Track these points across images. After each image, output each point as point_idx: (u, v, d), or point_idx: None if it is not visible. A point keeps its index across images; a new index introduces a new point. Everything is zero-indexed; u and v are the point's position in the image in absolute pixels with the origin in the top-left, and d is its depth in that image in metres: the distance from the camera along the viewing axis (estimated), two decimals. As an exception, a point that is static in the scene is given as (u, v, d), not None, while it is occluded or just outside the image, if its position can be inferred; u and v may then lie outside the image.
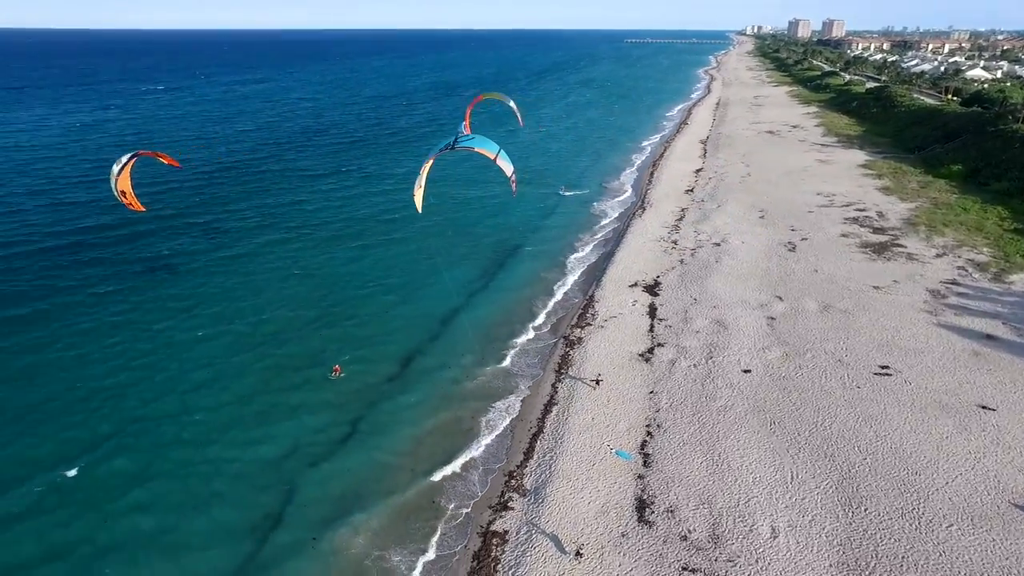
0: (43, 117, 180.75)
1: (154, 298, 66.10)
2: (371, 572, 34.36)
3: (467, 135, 37.18)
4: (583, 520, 37.32)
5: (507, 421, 47.81)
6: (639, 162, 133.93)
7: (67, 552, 34.88)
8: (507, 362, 55.70)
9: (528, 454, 43.76)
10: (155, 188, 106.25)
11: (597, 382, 51.17)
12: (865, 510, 37.59)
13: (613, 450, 42.97)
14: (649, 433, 45.20)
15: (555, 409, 48.61)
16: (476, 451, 44.29)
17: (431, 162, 35.13)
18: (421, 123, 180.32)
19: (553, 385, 52.05)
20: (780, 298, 65.46)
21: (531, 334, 60.68)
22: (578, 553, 34.61)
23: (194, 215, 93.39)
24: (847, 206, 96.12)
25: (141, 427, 45.96)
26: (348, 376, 52.30)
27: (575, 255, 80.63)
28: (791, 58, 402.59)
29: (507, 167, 36.41)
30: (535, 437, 45.52)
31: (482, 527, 37.54)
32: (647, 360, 55.04)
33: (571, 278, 73.84)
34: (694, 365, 53.80)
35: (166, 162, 58.49)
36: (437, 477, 41.54)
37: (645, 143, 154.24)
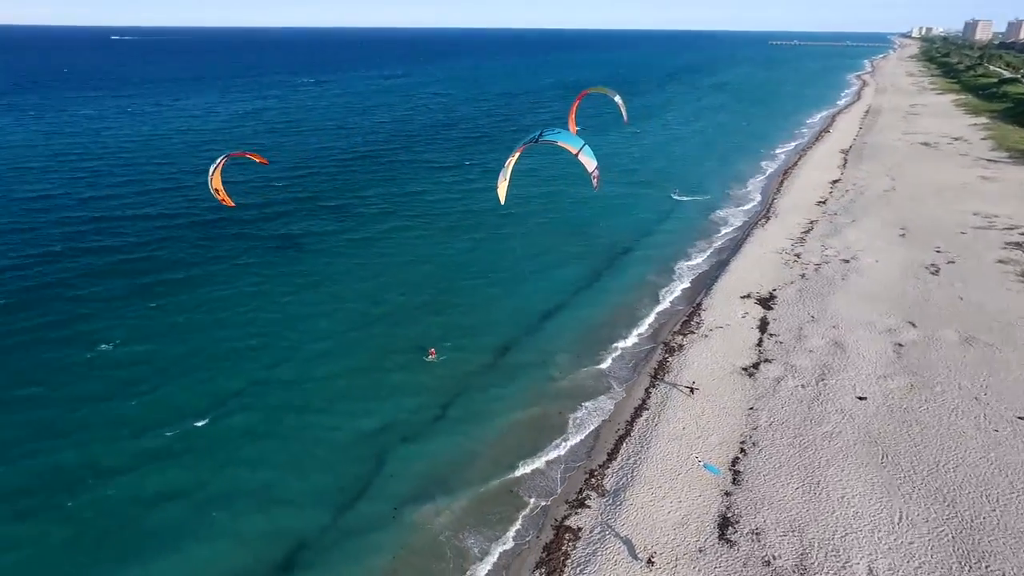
0: (213, 104, 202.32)
1: (284, 272, 72.17)
2: (444, 549, 35.64)
3: (553, 129, 37.19)
4: (660, 528, 36.41)
5: (595, 421, 47.53)
6: (769, 170, 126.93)
7: (183, 493, 39.09)
8: (603, 364, 55.20)
9: (612, 455, 43.29)
10: (297, 173, 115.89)
11: (692, 390, 49.55)
12: (987, 567, 33.65)
13: (701, 462, 41.46)
14: (743, 450, 43.10)
15: (646, 414, 47.64)
16: (561, 448, 44.39)
17: (517, 155, 35.51)
18: (547, 121, 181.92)
19: (647, 390, 51.00)
20: (913, 324, 59.68)
21: (631, 338, 59.67)
22: (650, 561, 33.88)
23: (327, 199, 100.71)
24: (1010, 229, 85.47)
25: (261, 389, 50.43)
26: (447, 362, 54.22)
27: (687, 262, 78.09)
28: (963, 63, 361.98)
29: (590, 163, 35.97)
30: (622, 439, 44.92)
31: (556, 520, 37.73)
32: (750, 375, 52.38)
33: (679, 285, 71.63)
34: (802, 385, 50.48)
35: (257, 160, 64.61)
36: (519, 469, 42.11)
37: (778, 150, 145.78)
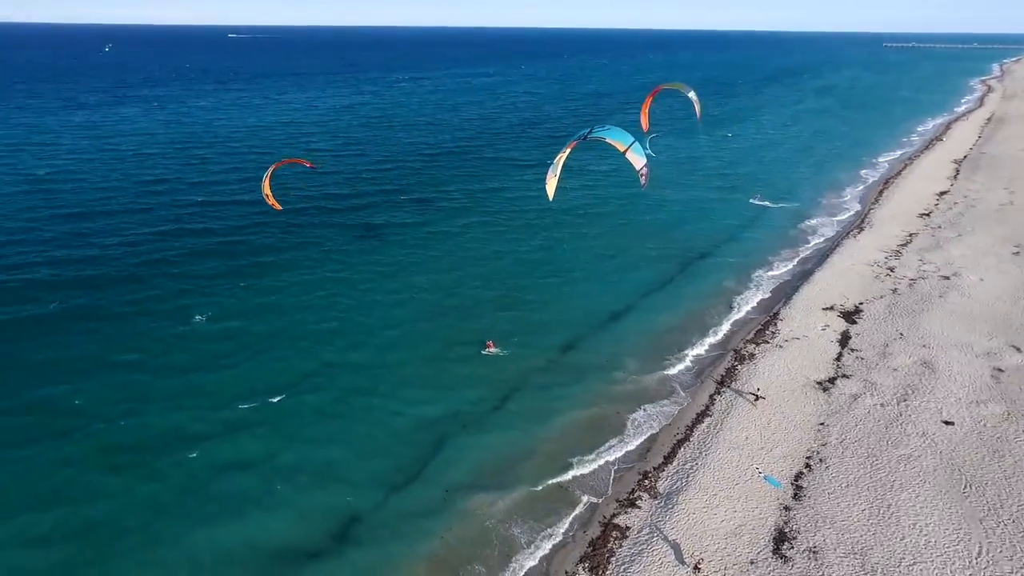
0: (313, 99, 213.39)
1: (365, 261, 75.32)
2: (491, 536, 36.34)
3: (604, 126, 36.59)
4: (711, 536, 35.59)
5: (655, 425, 46.89)
6: (870, 179, 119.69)
7: (252, 463, 41.64)
8: (668, 368, 54.13)
9: (668, 459, 42.62)
10: (385, 166, 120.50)
11: (756, 398, 47.94)
12: (1077, 615, 30.73)
13: (762, 474, 40.11)
14: (808, 465, 41.30)
15: (707, 421, 46.52)
16: (617, 449, 44.02)
17: (568, 151, 35.18)
18: (635, 122, 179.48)
19: (711, 397, 49.75)
20: (1017, 348, 54.96)
21: (700, 345, 58.17)
22: (697, 567, 33.23)
23: (411, 192, 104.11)
24: None
25: (333, 371, 52.76)
26: (512, 357, 54.76)
27: (767, 271, 75.05)
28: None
29: (638, 160, 34.81)
30: (680, 444, 44.13)
31: (605, 518, 37.65)
32: (825, 389, 49.98)
33: (757, 295, 69.00)
34: (881, 404, 47.65)
35: (307, 165, 68.12)
36: (573, 466, 42.10)
37: (882, 158, 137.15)
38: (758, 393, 48.53)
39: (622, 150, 33.81)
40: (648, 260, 77.72)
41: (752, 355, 55.60)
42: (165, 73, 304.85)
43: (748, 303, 67.10)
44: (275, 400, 48.17)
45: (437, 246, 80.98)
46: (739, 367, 53.63)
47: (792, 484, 39.63)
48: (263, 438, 44.30)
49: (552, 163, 34.76)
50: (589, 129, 35.62)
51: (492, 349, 55.55)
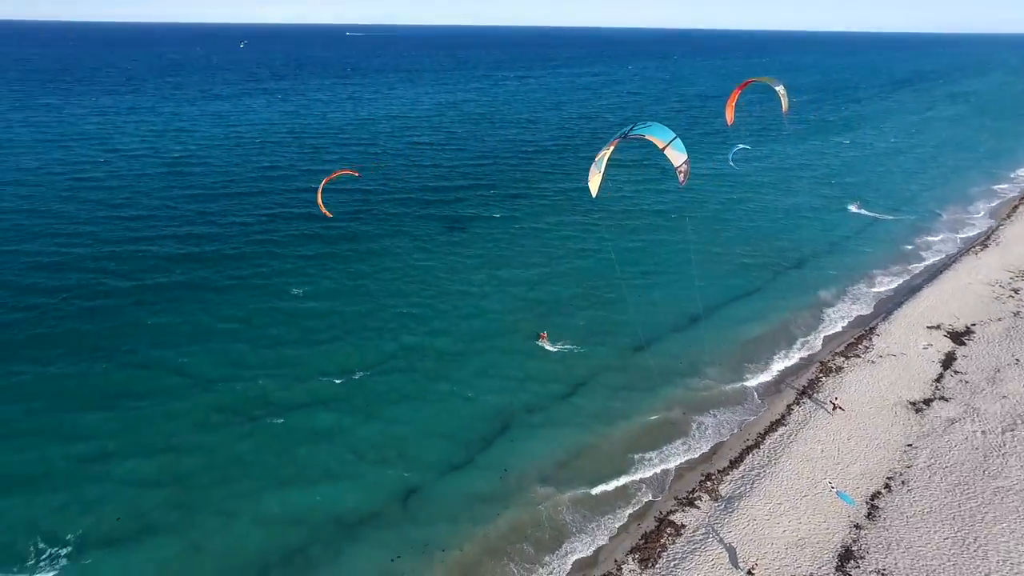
0: (421, 94, 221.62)
1: (453, 252, 77.38)
2: (542, 517, 36.98)
3: (645, 123, 35.28)
4: (771, 544, 34.47)
5: (724, 429, 45.71)
6: (1002, 193, 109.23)
7: (329, 433, 44.15)
8: (746, 375, 52.41)
9: (735, 464, 41.52)
10: (482, 161, 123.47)
11: (835, 406, 45.64)
12: None
13: (834, 489, 38.24)
14: (888, 486, 38.91)
15: (782, 430, 44.78)
16: (682, 451, 43.16)
17: (611, 149, 34.26)
18: (738, 125, 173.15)
19: (789, 407, 47.79)
20: None
21: (783, 355, 55.66)
22: (751, 572, 32.35)
23: (505, 187, 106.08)
24: None
25: (414, 354, 54.53)
26: (587, 354, 54.28)
27: (869, 286, 70.35)
28: None
29: (677, 157, 32.76)
30: (749, 450, 42.82)
31: (661, 514, 37.35)
32: (918, 411, 46.67)
33: (854, 309, 64.86)
34: (983, 432, 43.90)
35: (355, 175, 69.90)
36: (634, 462, 41.74)
37: (1021, 171, 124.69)
38: (837, 402, 46.17)
39: (661, 147, 32.50)
40: (740, 266, 75.08)
41: (839, 368, 52.77)
42: (290, 68, 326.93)
43: (843, 317, 63.40)
44: (356, 377, 50.62)
45: (526, 241, 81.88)
46: (823, 379, 51.10)
47: (867, 503, 37.54)
48: (342, 411, 46.62)
49: (595, 159, 34.01)
50: (631, 126, 34.88)
51: (544, 341, 55.96)
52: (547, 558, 34.54)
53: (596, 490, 39.38)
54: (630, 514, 37.65)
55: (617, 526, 36.87)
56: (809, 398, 48.36)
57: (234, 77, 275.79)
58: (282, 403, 47.35)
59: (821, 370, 52.70)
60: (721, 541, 34.79)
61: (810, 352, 56.71)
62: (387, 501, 38.73)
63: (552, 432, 45.05)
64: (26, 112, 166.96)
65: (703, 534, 35.49)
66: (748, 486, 39.13)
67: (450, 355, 54.83)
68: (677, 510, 37.55)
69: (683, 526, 36.27)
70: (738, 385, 51.15)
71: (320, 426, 45.03)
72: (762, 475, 40.04)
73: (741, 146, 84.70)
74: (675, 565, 33.54)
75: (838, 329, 61.08)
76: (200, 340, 55.35)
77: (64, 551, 33.35)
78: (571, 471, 41.14)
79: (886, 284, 71.26)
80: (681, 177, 31.27)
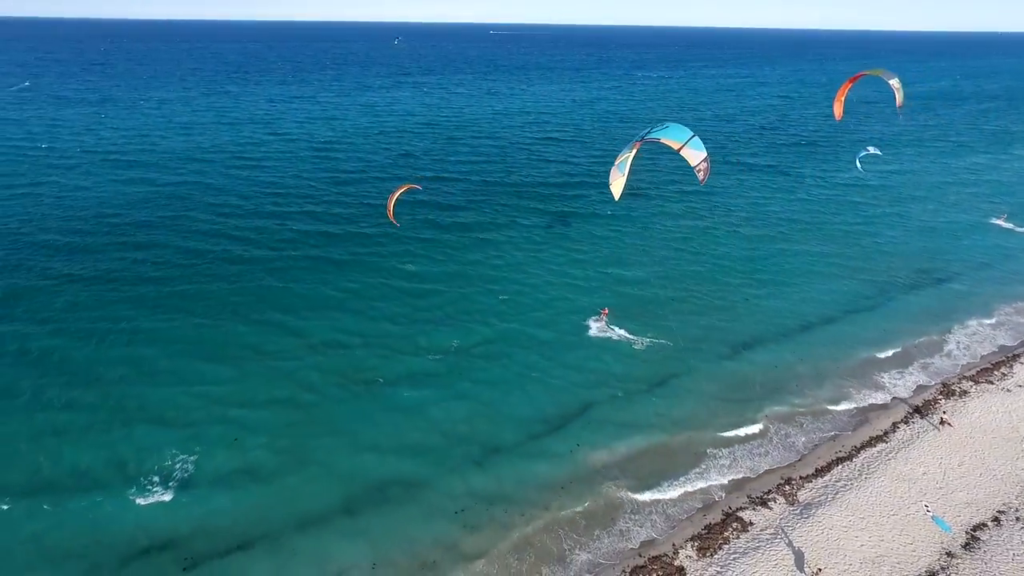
0: (555, 91, 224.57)
1: (559, 245, 77.08)
2: (604, 496, 37.41)
3: (664, 124, 33.38)
4: (844, 556, 32.75)
5: (815, 437, 43.44)
6: None
7: (420, 397, 46.89)
8: (849, 388, 48.81)
9: (820, 472, 39.51)
10: (606, 159, 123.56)
11: (943, 421, 42.03)
12: None
13: (930, 512, 35.36)
14: (997, 520, 35.32)
15: (881, 447, 41.83)
16: (764, 452, 41.51)
17: (633, 152, 32.83)
18: (894, 135, 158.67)
19: (895, 424, 44.39)
20: None
21: (899, 375, 51.17)
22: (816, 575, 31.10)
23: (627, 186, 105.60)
24: None
25: (508, 340, 54.82)
26: (682, 353, 53.25)
27: (1020, 313, 62.64)
28: None
29: (695, 156, 30.42)
30: (839, 461, 40.50)
31: (730, 509, 36.58)
32: (1055, 448, 41.52)
33: (998, 336, 57.79)
34: None
35: (418, 188, 70.25)
36: (709, 456, 40.98)
37: None
38: (945, 416, 42.35)
39: (676, 148, 30.98)
40: (868, 281, 69.12)
41: (965, 392, 48.04)
42: (439, 64, 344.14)
43: (982, 341, 57.01)
44: (452, 353, 52.86)
45: (636, 241, 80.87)
46: (942, 400, 46.80)
47: (967, 532, 34.40)
48: (431, 386, 48.37)
49: (616, 163, 33.12)
50: (648, 129, 33.71)
51: (604, 317, 57.37)
52: (601, 535, 35.11)
53: (666, 476, 39.10)
54: (697, 507, 37.17)
55: (682, 512, 36.61)
56: (920, 416, 44.62)
57: (387, 71, 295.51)
58: (381, 367, 50.34)
59: (941, 391, 48.27)
60: (789, 544, 33.58)
61: (931, 374, 51.84)
62: (466, 457, 40.92)
63: (627, 425, 44.54)
64: (212, 98, 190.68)
65: (771, 534, 34.42)
66: (830, 496, 37.21)
67: (541, 344, 55.01)
68: (747, 508, 36.60)
69: (751, 523, 35.36)
70: (840, 400, 47.85)
71: (414, 389, 47.76)
72: (848, 487, 37.86)
73: (872, 149, 77.46)
74: (735, 559, 32.92)
75: (971, 354, 55.13)
76: (316, 308, 59.94)
77: (178, 476, 38.10)
78: (643, 455, 41.06)
79: (1044, 309, 63.14)
80: (700, 175, 30.22)
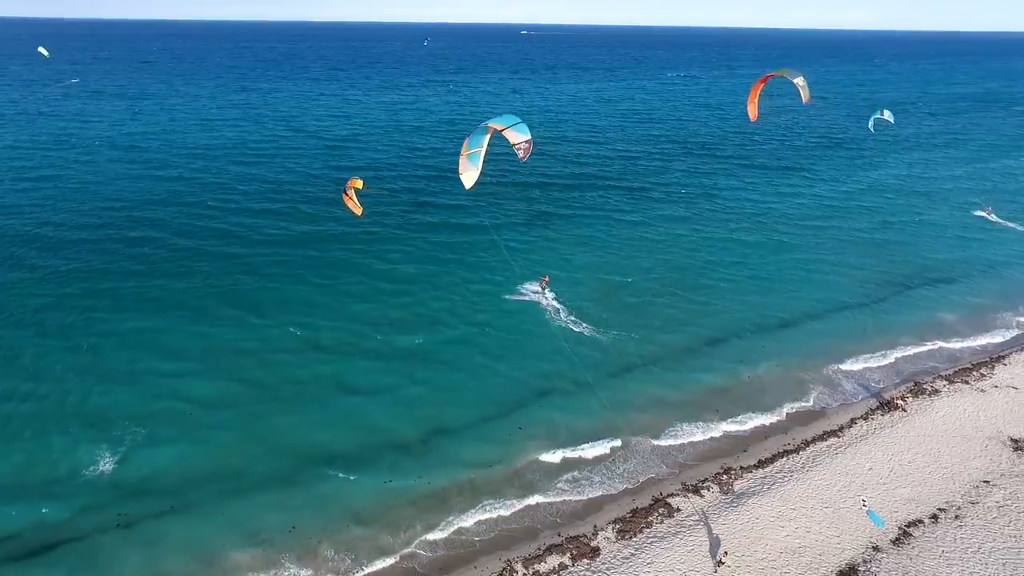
0: (581, 90, 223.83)
1: (541, 237, 77.04)
2: (534, 474, 37.93)
3: (499, 115, 33.98)
4: (764, 545, 32.26)
5: (767, 430, 42.71)
6: None
7: (383, 377, 47.30)
8: (813, 383, 47.70)
9: (763, 463, 38.89)
10: (611, 156, 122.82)
11: (893, 403, 41.18)
12: None
13: (866, 506, 34.47)
14: (935, 517, 34.27)
15: (832, 440, 40.93)
16: (708, 443, 40.98)
17: (486, 145, 32.51)
18: (955, 130, 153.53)
19: (853, 420, 43.32)
20: None
21: (868, 372, 49.58)
22: (720, 563, 30.75)
23: (625, 180, 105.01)
24: None
25: (478, 328, 55.34)
26: (635, 341, 52.87)
27: (1014, 313, 60.15)
28: None
29: (517, 136, 31.20)
30: (786, 454, 39.81)
31: (661, 494, 36.32)
32: (1018, 449, 40.04)
33: (984, 337, 55.57)
34: (1093, 484, 36.59)
35: (370, 190, 61.72)
36: (651, 444, 40.73)
37: None
38: (896, 400, 41.46)
39: (500, 129, 31.79)
40: (859, 279, 67.14)
41: (936, 391, 46.54)
42: (471, 63, 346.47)
43: (967, 342, 55.08)
44: (417, 341, 52.70)
45: (632, 233, 79.94)
46: (909, 399, 45.43)
47: (900, 528, 33.48)
48: (392, 371, 48.54)
49: (468, 154, 32.76)
50: (488, 120, 34.01)
51: (545, 285, 60.00)
52: (525, 514, 35.34)
53: (600, 465, 38.84)
54: (629, 488, 37.07)
55: (608, 499, 36.39)
56: (881, 413, 43.45)
57: (420, 69, 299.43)
58: (339, 361, 49.90)
59: (912, 390, 46.80)
60: (710, 531, 33.22)
61: (905, 373, 50.23)
62: (419, 431, 41.67)
63: (573, 411, 44.24)
64: (242, 94, 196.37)
65: (695, 520, 34.10)
66: (767, 486, 36.64)
67: (506, 332, 54.57)
68: (679, 495, 36.30)
69: (678, 510, 35.07)
70: (800, 395, 46.85)
71: (379, 369, 48.34)
72: (787, 479, 37.20)
73: (886, 114, 72.35)
74: (652, 543, 32.74)
75: (954, 353, 53.29)
76: (288, 301, 59.47)
77: (128, 445, 39.65)
78: (580, 446, 40.48)
79: (1044, 314, 60.46)
80: (520, 154, 30.93)
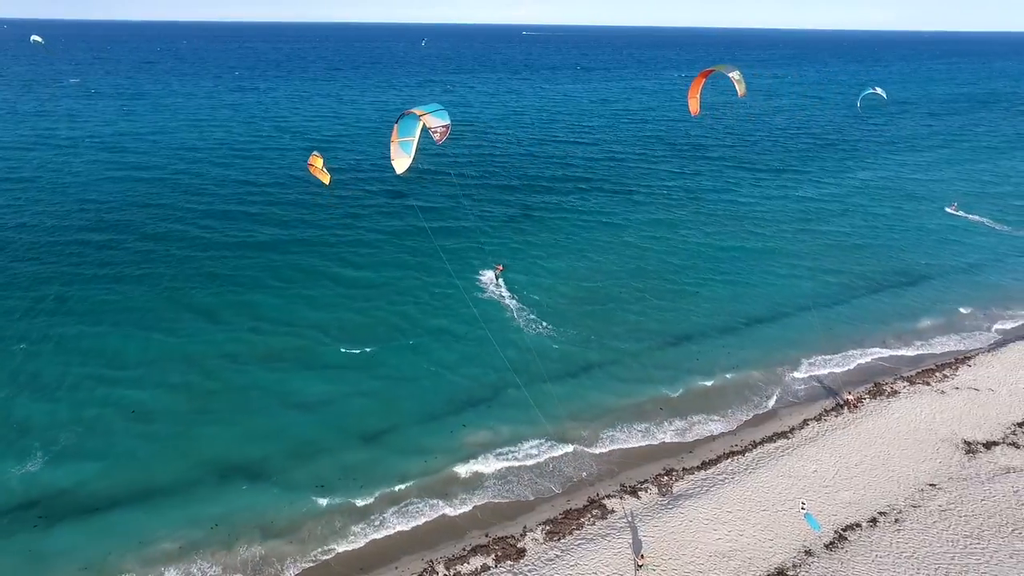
0: (577, 90, 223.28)
1: (514, 237, 76.42)
2: (471, 474, 37.64)
3: (424, 103, 34.90)
4: (692, 548, 31.57)
5: (715, 429, 42.04)
6: None
7: (331, 383, 46.81)
8: (772, 384, 47.17)
9: (707, 465, 38.23)
10: (596, 155, 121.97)
11: (848, 403, 40.88)
12: None
13: (804, 509, 33.77)
14: (874, 521, 33.48)
15: (781, 442, 40.19)
16: (655, 444, 40.40)
17: (418, 134, 32.62)
18: (953, 130, 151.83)
19: (806, 421, 42.59)
20: None
21: (834, 372, 49.09)
22: (638, 565, 30.11)
23: (605, 181, 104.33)
24: None
25: (435, 334, 54.48)
26: (589, 344, 52.38)
27: (991, 321, 58.58)
28: None
29: (434, 120, 32.24)
30: (731, 455, 39.13)
31: (597, 496, 35.73)
32: (970, 452, 39.15)
33: (953, 340, 54.55)
34: (1043, 488, 35.69)
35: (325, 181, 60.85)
36: (595, 445, 40.20)
37: None
38: (851, 399, 40.81)
39: (419, 115, 32.57)
40: (832, 282, 66.04)
41: (895, 392, 45.66)
42: (472, 63, 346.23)
43: (935, 343, 54.12)
44: (369, 349, 51.50)
45: (610, 232, 79.17)
46: (867, 400, 44.56)
47: (836, 532, 32.72)
48: (344, 376, 47.69)
49: (401, 142, 33.07)
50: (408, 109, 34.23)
51: (499, 272, 61.97)
52: (457, 514, 34.83)
53: (541, 463, 38.54)
54: (562, 490, 36.42)
55: (542, 500, 35.80)
56: (836, 415, 42.65)
57: (419, 70, 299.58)
58: (285, 360, 49.70)
59: (872, 391, 45.95)
60: (640, 533, 32.55)
61: (869, 372, 49.47)
62: (362, 432, 41.19)
63: (520, 411, 43.55)
64: (237, 94, 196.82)
65: (626, 522, 33.46)
66: (706, 488, 35.93)
67: (460, 340, 53.42)
68: (615, 496, 35.67)
69: (612, 511, 34.44)
70: (757, 388, 46.66)
71: (330, 375, 47.31)
72: (728, 481, 36.47)
73: (878, 90, 70.10)
74: (580, 544, 32.12)
75: (919, 355, 52.31)
76: (249, 300, 59.25)
77: (61, 445, 39.32)
78: (523, 446, 40.12)
79: (1019, 319, 59.27)
80: (437, 136, 31.60)
